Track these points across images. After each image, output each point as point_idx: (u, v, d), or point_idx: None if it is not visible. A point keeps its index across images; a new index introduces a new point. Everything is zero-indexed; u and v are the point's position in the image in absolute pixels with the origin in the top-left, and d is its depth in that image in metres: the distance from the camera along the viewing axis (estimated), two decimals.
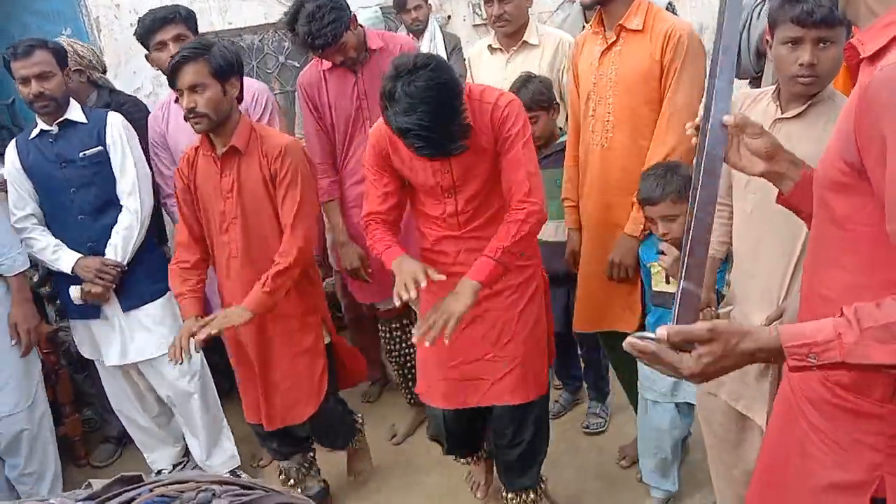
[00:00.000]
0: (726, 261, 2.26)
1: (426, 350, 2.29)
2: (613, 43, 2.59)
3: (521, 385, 2.34)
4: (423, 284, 2.06)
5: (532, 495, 2.54)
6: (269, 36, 4.59)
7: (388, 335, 3.29)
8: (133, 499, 0.72)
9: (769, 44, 1.96)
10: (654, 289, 2.53)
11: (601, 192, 2.69)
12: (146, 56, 3.06)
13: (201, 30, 3.20)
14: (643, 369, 2.60)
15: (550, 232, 2.91)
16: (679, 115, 2.46)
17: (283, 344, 2.59)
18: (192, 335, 2.36)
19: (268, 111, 3.00)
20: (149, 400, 3.17)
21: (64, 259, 2.87)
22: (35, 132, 2.88)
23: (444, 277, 2.10)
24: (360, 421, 3.02)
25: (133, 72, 4.04)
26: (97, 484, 0.77)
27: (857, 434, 1.33)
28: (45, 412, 3.03)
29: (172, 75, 2.35)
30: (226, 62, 2.37)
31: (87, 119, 2.88)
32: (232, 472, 3.15)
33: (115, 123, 2.89)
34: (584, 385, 3.39)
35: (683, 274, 1.20)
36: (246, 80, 2.56)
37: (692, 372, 1.16)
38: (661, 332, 1.14)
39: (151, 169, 3.02)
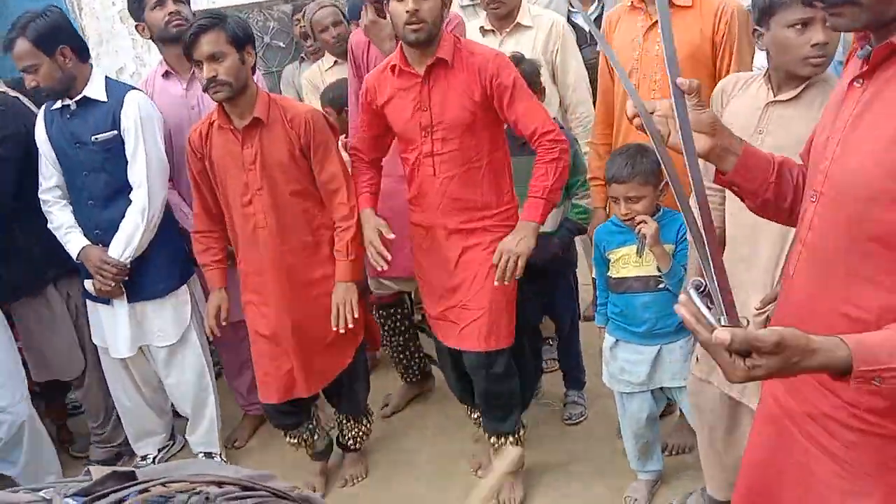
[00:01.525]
0: None
1: (424, 290, 2.69)
2: None
3: (484, 333, 2.48)
4: (380, 249, 2.45)
5: (511, 439, 2.66)
6: (255, 16, 4.53)
7: (383, 321, 3.28)
8: (123, 499, 0.70)
9: (758, 33, 1.95)
10: (616, 276, 2.49)
11: None
12: (136, 27, 3.00)
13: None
14: (614, 364, 2.57)
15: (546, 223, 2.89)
16: None
17: (323, 302, 2.60)
18: (217, 314, 2.58)
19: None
20: (146, 392, 3.13)
21: (73, 243, 2.79)
22: (57, 104, 2.74)
23: (392, 236, 2.47)
24: (372, 413, 3.04)
25: (115, 51, 3.99)
26: (96, 472, 0.74)
27: (884, 458, 1.26)
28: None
29: (189, 47, 2.34)
30: (241, 31, 2.41)
31: (108, 97, 2.71)
32: (207, 455, 3.16)
33: (133, 106, 2.70)
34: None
35: (713, 274, 1.10)
36: None
37: (738, 379, 1.05)
38: (724, 335, 1.01)
39: None
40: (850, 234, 1.22)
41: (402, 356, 3.36)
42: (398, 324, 3.26)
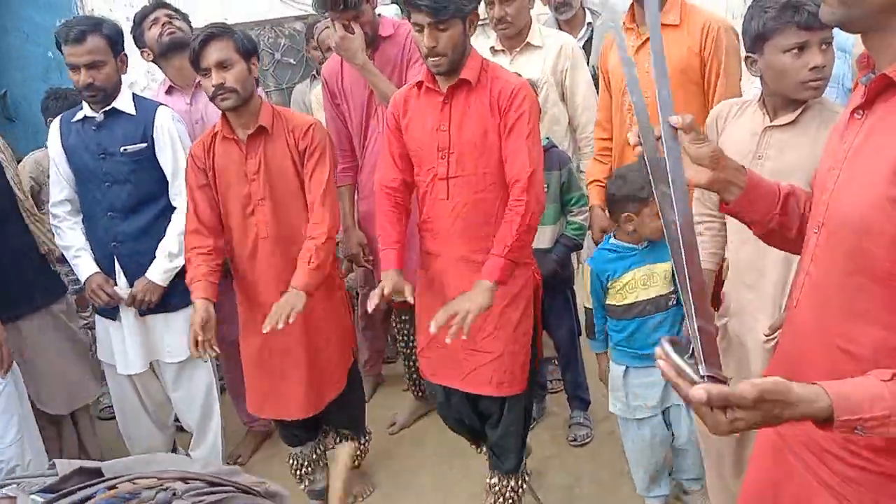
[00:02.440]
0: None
1: (422, 325, 2.48)
2: (649, 38, 2.62)
3: (496, 379, 2.39)
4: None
5: (513, 482, 2.56)
6: (266, 33, 4.57)
7: (399, 325, 3.29)
8: (90, 496, 0.68)
9: (751, 60, 1.95)
10: (624, 303, 2.45)
11: None
12: (141, 53, 3.12)
13: (198, 25, 3.18)
14: (626, 392, 2.53)
15: (544, 240, 2.89)
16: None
17: (326, 320, 2.60)
18: (203, 326, 2.37)
19: None
20: (150, 408, 3.08)
21: (83, 267, 2.77)
22: (79, 115, 2.73)
23: (411, 300, 2.29)
24: (369, 432, 3.00)
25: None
26: (62, 466, 0.73)
27: (882, 496, 1.23)
28: None
29: (197, 55, 2.35)
30: (248, 41, 2.43)
31: (136, 110, 2.73)
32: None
33: (168, 121, 2.74)
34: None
35: (693, 312, 1.08)
36: None
37: (720, 432, 1.05)
38: (700, 393, 1.00)
39: None
40: (847, 268, 1.20)
41: (415, 364, 3.30)
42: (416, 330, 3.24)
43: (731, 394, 1.01)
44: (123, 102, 2.73)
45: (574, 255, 3.21)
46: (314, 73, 4.21)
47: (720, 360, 1.07)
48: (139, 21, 3.05)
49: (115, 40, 2.68)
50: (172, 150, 2.74)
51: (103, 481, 0.70)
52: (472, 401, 2.52)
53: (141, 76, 4.06)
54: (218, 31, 2.37)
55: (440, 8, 2.11)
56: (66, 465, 0.72)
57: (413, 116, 2.36)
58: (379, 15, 2.92)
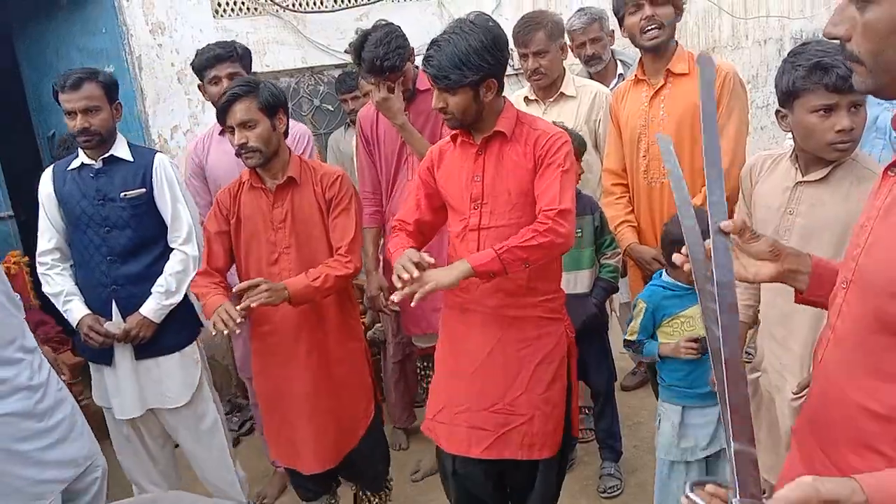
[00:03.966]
0: None
1: (439, 385, 2.38)
2: (661, 87, 2.80)
3: (527, 442, 2.29)
4: (415, 273, 2.05)
5: None
6: (305, 79, 4.68)
7: (424, 372, 3.31)
8: None
9: (781, 114, 1.95)
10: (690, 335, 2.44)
11: (655, 228, 2.88)
12: (199, 86, 3.19)
13: None
14: (678, 433, 2.48)
15: (582, 284, 2.91)
16: (730, 143, 2.68)
17: (342, 368, 2.57)
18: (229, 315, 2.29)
19: (308, 151, 3.10)
20: (152, 449, 3.02)
21: (74, 311, 2.75)
22: (75, 164, 2.78)
23: (432, 260, 2.11)
24: (391, 478, 2.95)
25: (171, 110, 4.13)
26: None
27: None
28: None
29: (223, 113, 2.41)
30: (273, 98, 2.45)
31: (133, 157, 2.79)
32: None
33: (163, 165, 2.80)
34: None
35: (731, 433, 1.04)
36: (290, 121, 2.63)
37: None
38: None
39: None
40: (872, 327, 1.17)
41: None
42: None
43: None
44: (121, 150, 2.78)
45: (608, 302, 3.21)
46: (349, 120, 4.31)
47: (759, 486, 1.04)
48: (204, 63, 3.07)
49: (110, 89, 2.74)
50: (171, 194, 2.79)
51: None
52: (496, 474, 2.40)
53: (185, 120, 4.17)
54: (242, 92, 2.40)
55: (441, 77, 2.13)
56: None
57: (448, 167, 2.35)
58: (416, 67, 2.99)
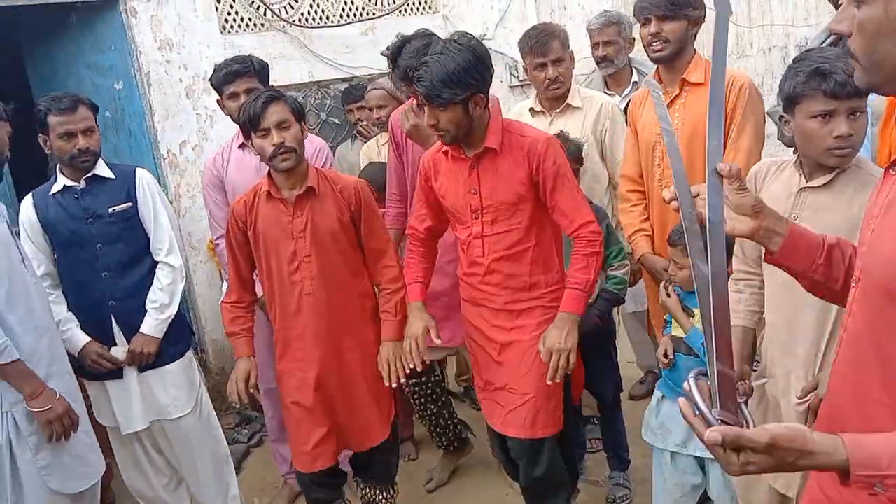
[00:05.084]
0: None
1: (474, 358, 2.69)
2: (677, 96, 2.82)
3: (529, 420, 2.45)
4: (421, 347, 2.51)
5: None
6: (313, 93, 4.71)
7: (415, 389, 3.25)
8: None
9: (785, 120, 1.96)
10: (674, 334, 2.52)
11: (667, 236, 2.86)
12: (217, 101, 3.21)
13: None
14: (656, 420, 2.56)
15: None
16: (741, 158, 2.66)
17: (364, 366, 2.65)
18: (247, 379, 2.54)
19: (328, 164, 3.17)
20: (158, 463, 3.06)
21: (74, 340, 2.77)
22: (56, 188, 2.78)
23: (440, 342, 2.53)
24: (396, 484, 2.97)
25: (179, 125, 4.16)
26: None
27: None
28: None
29: (258, 116, 2.44)
30: (298, 105, 2.55)
31: (115, 175, 2.84)
32: None
33: (145, 179, 2.88)
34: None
35: (714, 354, 1.12)
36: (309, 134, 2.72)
37: (734, 473, 1.07)
38: (714, 435, 1.04)
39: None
40: (878, 322, 1.19)
41: (436, 425, 3.33)
42: (430, 392, 3.24)
43: (743, 437, 1.03)
44: (102, 169, 2.82)
45: (616, 311, 3.21)
46: (356, 131, 4.34)
47: (737, 404, 1.11)
48: (223, 79, 3.09)
49: (96, 112, 2.82)
50: (153, 206, 2.85)
51: None
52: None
53: (193, 135, 4.20)
54: (277, 94, 2.49)
55: (434, 95, 2.24)
56: None
57: (444, 180, 2.49)
58: None
